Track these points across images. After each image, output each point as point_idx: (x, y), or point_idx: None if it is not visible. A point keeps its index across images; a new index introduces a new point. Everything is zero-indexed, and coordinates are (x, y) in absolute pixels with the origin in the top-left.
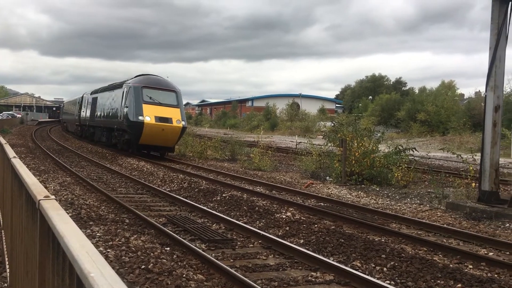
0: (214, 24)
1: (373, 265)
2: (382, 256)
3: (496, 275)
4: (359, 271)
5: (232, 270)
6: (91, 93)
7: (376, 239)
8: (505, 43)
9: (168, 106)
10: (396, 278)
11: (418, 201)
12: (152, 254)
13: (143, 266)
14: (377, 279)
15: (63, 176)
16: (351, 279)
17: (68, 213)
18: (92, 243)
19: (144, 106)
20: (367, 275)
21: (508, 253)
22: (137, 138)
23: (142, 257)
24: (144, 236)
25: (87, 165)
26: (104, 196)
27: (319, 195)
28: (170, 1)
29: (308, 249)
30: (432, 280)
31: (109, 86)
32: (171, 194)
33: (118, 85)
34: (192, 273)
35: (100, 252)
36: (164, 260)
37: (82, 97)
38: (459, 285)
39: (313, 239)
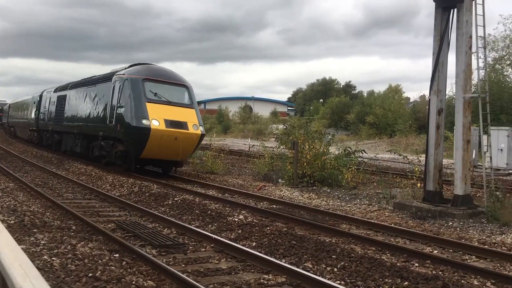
0: (166, 26)
1: (324, 266)
2: (333, 256)
3: (440, 272)
4: (310, 272)
5: (184, 275)
6: (56, 90)
7: (327, 240)
8: (447, 49)
9: (179, 106)
10: (346, 278)
11: (367, 201)
12: (100, 261)
13: (90, 274)
14: (328, 279)
15: (5, 181)
16: (302, 280)
17: (10, 221)
18: (36, 251)
19: (149, 106)
20: (318, 275)
21: (451, 250)
22: (138, 150)
23: (89, 264)
24: (91, 243)
25: (32, 170)
26: (50, 202)
27: (272, 197)
28: (120, 1)
29: (260, 252)
30: (381, 279)
31: (87, 80)
32: (121, 199)
33: (103, 79)
34: (142, 280)
35: (45, 260)
36: (112, 267)
37: (41, 95)
38: (406, 283)
39: (266, 242)
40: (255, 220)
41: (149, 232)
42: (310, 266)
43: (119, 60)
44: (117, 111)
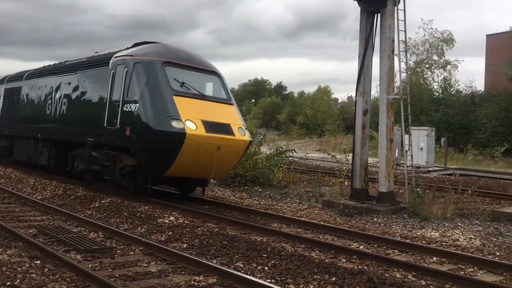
0: (93, 23)
1: (255, 265)
2: (264, 255)
3: (366, 267)
4: (241, 272)
5: (110, 280)
6: (3, 82)
7: (258, 239)
8: (372, 52)
9: (216, 102)
10: (277, 276)
11: (298, 200)
12: (19, 269)
13: (8, 283)
14: (259, 278)
15: None
16: (233, 280)
17: None
18: None
19: (178, 101)
20: (249, 275)
21: (376, 245)
22: (161, 165)
23: (7, 272)
24: (10, 250)
25: None
26: None
27: (203, 197)
28: None
29: (191, 253)
30: (310, 276)
31: (58, 67)
32: (43, 202)
33: (91, 64)
34: (65, 287)
35: None
36: (33, 275)
37: None
38: (334, 278)
39: (197, 243)
40: (186, 221)
41: (73, 236)
42: (242, 265)
43: (42, 57)
44: (124, 109)
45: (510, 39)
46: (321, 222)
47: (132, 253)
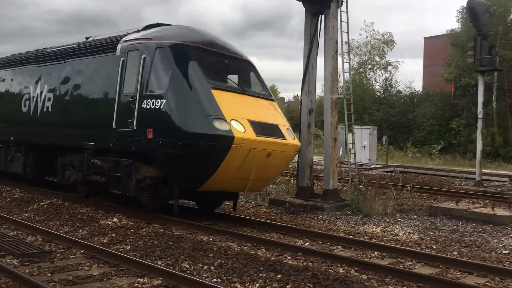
0: (33, 17)
1: (201, 265)
2: (210, 255)
3: (310, 263)
4: (187, 272)
5: (49, 286)
6: None
7: (204, 239)
8: (316, 52)
9: (258, 97)
10: (223, 275)
11: (245, 199)
12: None
13: None
14: (204, 278)
15: None
16: (178, 281)
17: None
18: None
19: (217, 96)
20: (195, 275)
21: (320, 242)
22: (199, 177)
23: None
24: None
25: None
26: None
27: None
28: None
29: (135, 255)
30: (255, 274)
31: (40, 55)
32: None
33: (91, 49)
34: None
35: None
36: None
37: None
38: (279, 276)
39: (141, 244)
40: (130, 223)
41: (9, 241)
42: (187, 266)
43: None
44: (144, 106)
45: (447, 42)
46: (268, 220)
47: (73, 256)
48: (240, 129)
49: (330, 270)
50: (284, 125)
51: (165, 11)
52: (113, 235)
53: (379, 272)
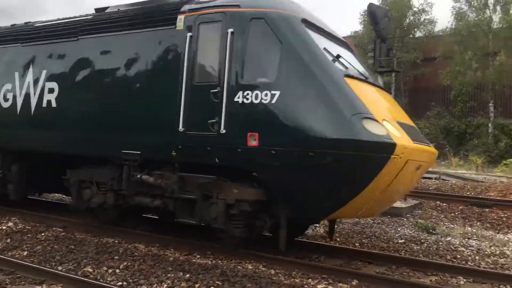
0: None
1: (106, 268)
2: (115, 257)
3: (220, 261)
4: (90, 277)
5: None
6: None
7: (110, 241)
8: None
9: (378, 87)
10: (129, 278)
11: None
12: None
13: None
14: (109, 282)
15: None
16: (81, 286)
17: None
18: None
19: (353, 86)
20: (99, 279)
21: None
22: (333, 202)
23: None
24: None
25: None
26: None
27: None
28: None
29: (32, 261)
30: (163, 275)
31: (37, 29)
32: None
33: (133, 21)
34: None
35: None
36: None
37: None
38: (188, 275)
39: (39, 249)
40: (27, 227)
41: None
42: (91, 270)
43: None
44: (243, 99)
45: (351, 43)
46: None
47: None
48: (396, 134)
49: (239, 267)
50: (414, 125)
51: (69, 2)
52: (8, 240)
53: (286, 266)
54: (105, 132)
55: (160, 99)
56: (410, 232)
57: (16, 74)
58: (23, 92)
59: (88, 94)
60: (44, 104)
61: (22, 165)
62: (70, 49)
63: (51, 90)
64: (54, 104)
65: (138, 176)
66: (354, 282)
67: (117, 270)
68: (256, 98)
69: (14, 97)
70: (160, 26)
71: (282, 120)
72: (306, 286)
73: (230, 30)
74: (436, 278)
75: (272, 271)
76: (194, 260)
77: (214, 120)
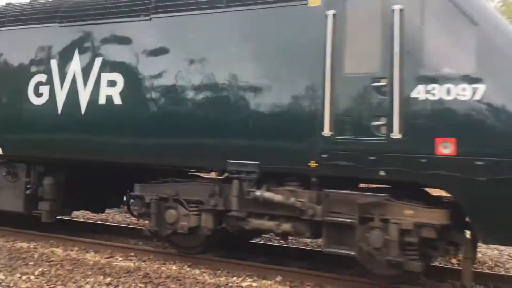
0: None
1: (19, 275)
2: (30, 263)
3: (143, 263)
4: (2, 284)
5: None
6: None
7: (24, 246)
8: None
9: None
10: (45, 284)
11: None
12: None
13: None
14: None
15: None
16: None
17: None
18: None
19: None
20: (12, 287)
21: (154, 240)
22: None
23: None
24: None
25: None
26: None
27: None
28: None
29: None
30: (82, 279)
31: (90, 3)
32: None
33: None
34: None
35: None
36: None
37: None
38: (109, 279)
39: None
40: None
41: None
42: (3, 277)
43: None
44: (428, 96)
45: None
46: (99, 221)
47: None
48: None
49: (163, 268)
50: None
51: None
52: None
53: (211, 266)
54: (203, 137)
55: (291, 95)
56: None
57: (53, 63)
58: (66, 85)
59: (170, 89)
60: (102, 100)
61: (58, 178)
62: (138, 31)
63: (111, 83)
64: (118, 101)
65: (257, 193)
66: (278, 278)
67: (32, 277)
68: (449, 93)
69: (52, 91)
70: (283, 2)
71: (493, 121)
72: (230, 284)
73: (396, 7)
74: None
75: (197, 271)
76: (115, 263)
77: (382, 122)
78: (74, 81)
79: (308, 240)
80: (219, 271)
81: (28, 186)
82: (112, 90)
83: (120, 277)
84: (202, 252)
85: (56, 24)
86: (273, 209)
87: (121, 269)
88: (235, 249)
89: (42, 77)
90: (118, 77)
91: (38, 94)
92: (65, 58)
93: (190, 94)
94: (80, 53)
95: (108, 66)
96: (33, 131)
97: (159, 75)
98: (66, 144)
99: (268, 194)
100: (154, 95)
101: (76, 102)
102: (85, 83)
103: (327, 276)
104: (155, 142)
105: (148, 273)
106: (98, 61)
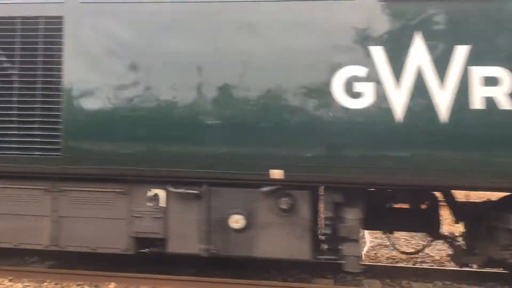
0: None
1: None
2: None
3: None
4: None
5: None
6: None
7: None
8: None
9: None
10: None
11: None
12: None
13: None
14: None
15: None
16: None
17: None
18: None
19: None
20: None
21: None
22: None
23: None
24: None
25: None
26: None
27: None
28: None
29: None
30: None
31: None
32: None
33: None
34: None
35: None
36: None
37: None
38: None
39: None
40: None
41: None
42: None
43: None
44: None
45: None
46: None
47: None
48: None
49: None
50: None
51: None
52: None
53: (36, 278)
54: None
55: None
56: None
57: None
58: (408, 84)
59: None
60: (476, 104)
61: (360, 209)
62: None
63: (490, 81)
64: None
65: None
66: (112, 285)
67: None
68: None
69: (379, 91)
70: None
71: None
72: None
73: None
74: None
75: (20, 285)
76: None
77: None
78: (419, 77)
79: None
80: (46, 283)
81: (328, 222)
82: (492, 90)
83: None
84: None
85: None
86: None
87: None
88: None
89: (360, 71)
90: (502, 73)
91: (353, 95)
92: (398, 46)
93: None
94: (428, 39)
95: (480, 57)
96: (336, 146)
97: None
98: (402, 163)
99: None
100: None
101: (429, 105)
102: (441, 80)
103: (162, 278)
104: None
105: None
106: (460, 50)
